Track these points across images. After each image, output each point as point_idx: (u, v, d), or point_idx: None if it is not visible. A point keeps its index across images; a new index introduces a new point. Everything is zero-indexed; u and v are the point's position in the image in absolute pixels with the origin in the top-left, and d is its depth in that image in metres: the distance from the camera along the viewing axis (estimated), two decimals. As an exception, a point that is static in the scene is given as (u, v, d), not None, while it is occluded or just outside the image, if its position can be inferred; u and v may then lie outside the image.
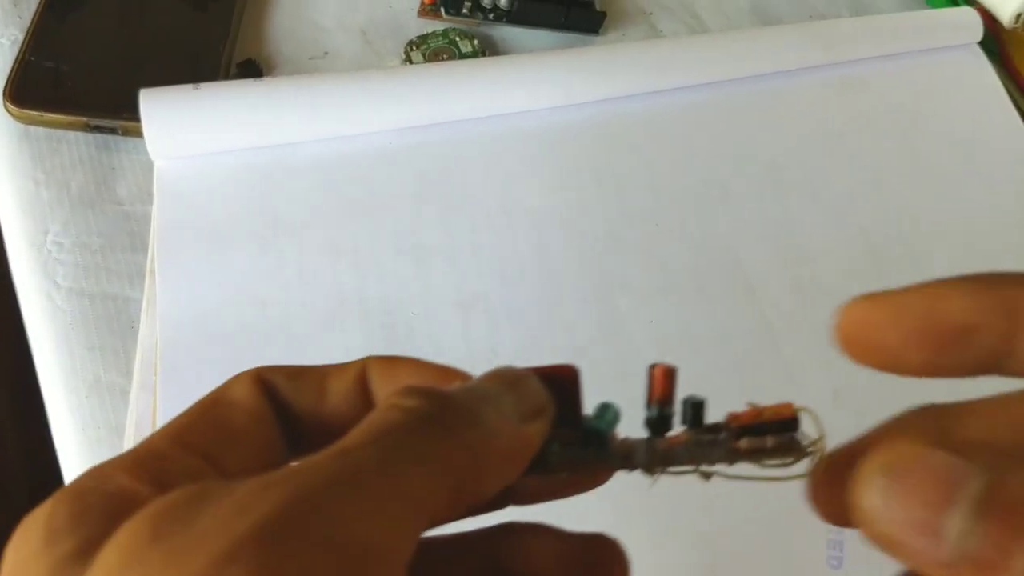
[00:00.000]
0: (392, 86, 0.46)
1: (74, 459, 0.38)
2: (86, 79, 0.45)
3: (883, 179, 0.47)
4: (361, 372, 0.21)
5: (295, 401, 0.21)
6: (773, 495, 0.38)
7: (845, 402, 0.40)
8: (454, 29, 0.51)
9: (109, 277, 0.42)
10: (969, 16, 0.52)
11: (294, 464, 0.16)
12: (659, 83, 0.48)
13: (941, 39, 0.51)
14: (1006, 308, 0.18)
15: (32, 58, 0.45)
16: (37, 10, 0.47)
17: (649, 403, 0.20)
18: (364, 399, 0.21)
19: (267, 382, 0.21)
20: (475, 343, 0.40)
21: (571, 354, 0.40)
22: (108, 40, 0.47)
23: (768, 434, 0.20)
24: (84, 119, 0.44)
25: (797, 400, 0.21)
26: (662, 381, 0.20)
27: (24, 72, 0.45)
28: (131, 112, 0.43)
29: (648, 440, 0.20)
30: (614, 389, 0.39)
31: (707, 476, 0.20)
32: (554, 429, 0.20)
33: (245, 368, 0.40)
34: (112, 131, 0.45)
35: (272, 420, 0.21)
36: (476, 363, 0.39)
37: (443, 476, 0.17)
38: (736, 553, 0.37)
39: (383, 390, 0.21)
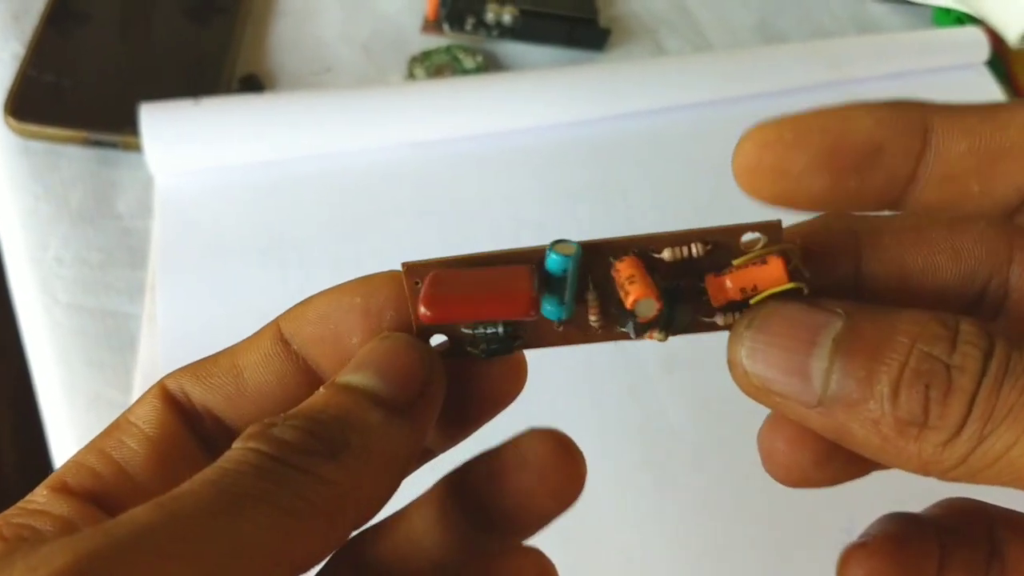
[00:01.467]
0: (395, 102, 0.46)
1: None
2: (86, 94, 0.45)
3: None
4: (275, 332, 0.20)
5: (209, 400, 0.20)
6: (781, 512, 0.37)
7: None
8: (457, 45, 0.50)
9: (109, 293, 0.41)
10: (975, 36, 0.51)
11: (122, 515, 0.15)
12: (663, 101, 0.48)
13: (947, 58, 0.51)
14: (916, 127, 0.18)
15: (33, 72, 0.45)
16: (38, 24, 0.47)
17: (623, 306, 0.19)
18: (287, 356, 0.20)
19: (172, 394, 0.20)
20: (479, 361, 0.40)
21: (579, 369, 0.40)
22: (109, 54, 0.47)
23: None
24: (84, 134, 0.44)
25: None
26: (630, 267, 0.19)
27: (25, 86, 0.45)
28: (131, 127, 0.42)
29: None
30: (622, 404, 0.39)
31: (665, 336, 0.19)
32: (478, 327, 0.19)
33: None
34: (112, 146, 0.44)
35: (179, 434, 0.19)
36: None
37: (293, 519, 0.15)
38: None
39: (305, 336, 0.20)
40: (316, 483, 0.16)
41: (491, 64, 0.50)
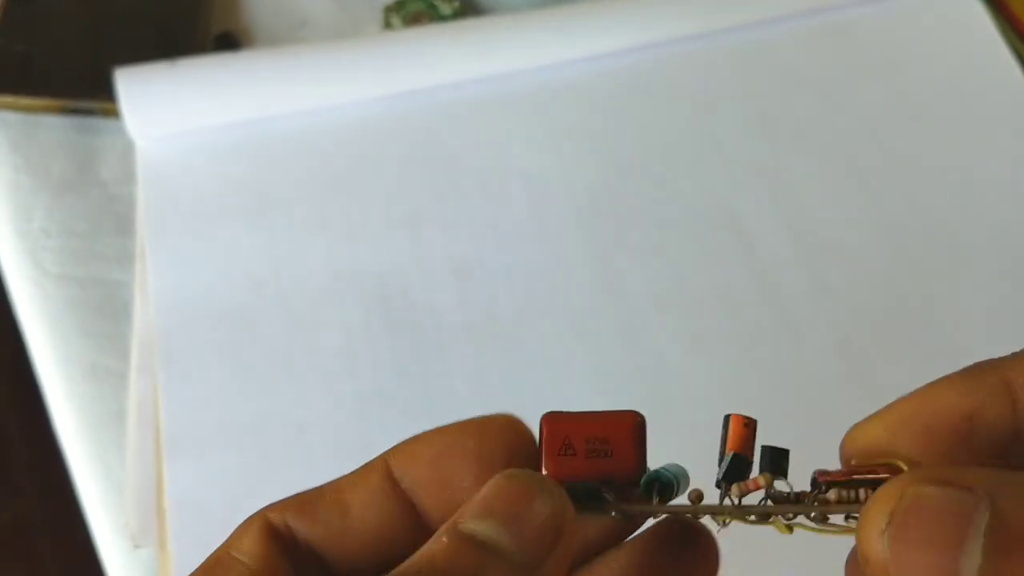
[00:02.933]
0: (374, 54, 0.45)
1: (77, 446, 0.38)
2: (59, 61, 0.44)
3: (876, 124, 0.47)
4: (384, 469, 0.19)
5: (312, 535, 0.19)
6: (781, 439, 0.38)
7: (849, 353, 0.40)
8: (433, -9, 0.49)
9: (98, 261, 0.41)
10: (955, -45, 0.51)
11: None
12: (644, 38, 0.48)
13: (928, -21, 0.51)
14: (998, 388, 0.18)
15: (1, 43, 0.44)
16: (4, -8, 0.46)
17: (722, 454, 0.19)
18: (394, 496, 0.19)
19: (275, 526, 0.19)
20: (473, 311, 0.40)
21: (571, 315, 0.40)
22: (78, 20, 0.46)
23: (860, 487, 0.18)
24: (60, 102, 0.43)
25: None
26: (737, 429, 0.19)
27: (-5, 57, 0.44)
28: (108, 93, 0.42)
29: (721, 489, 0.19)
30: (615, 349, 0.39)
31: (789, 528, 0.18)
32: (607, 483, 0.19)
33: (243, 350, 0.40)
34: (90, 112, 0.44)
35: (281, 569, 0.19)
36: (475, 330, 0.39)
37: None
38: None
39: (415, 477, 0.19)
40: None
41: (468, 9, 0.50)
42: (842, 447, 0.19)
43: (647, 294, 0.41)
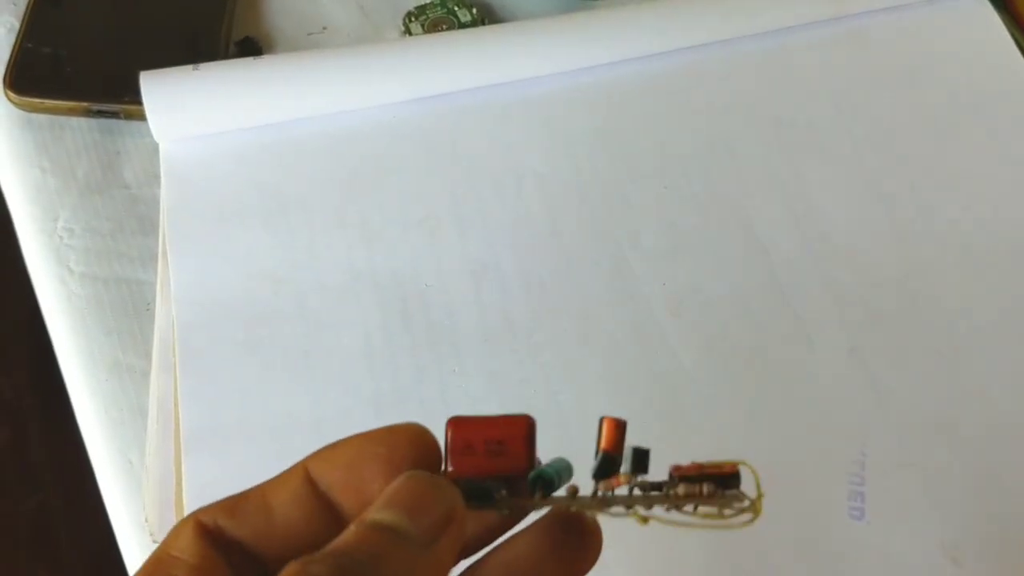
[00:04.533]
0: (393, 59, 0.46)
1: (99, 442, 0.38)
2: (85, 63, 0.45)
3: (891, 132, 0.47)
4: (303, 473, 0.21)
5: (241, 534, 0.21)
6: (793, 448, 0.38)
7: (860, 360, 0.40)
8: (452, -2, 0.50)
9: (121, 261, 0.42)
10: (972, -37, 0.51)
11: None
12: (662, 44, 0.48)
13: (945, -12, 0.51)
14: None
15: (29, 44, 0.45)
16: (32, -4, 0.47)
17: (597, 451, 0.21)
18: (314, 497, 0.21)
19: (205, 525, 0.21)
20: (488, 311, 0.40)
21: (584, 319, 0.41)
22: (105, 23, 0.47)
23: (705, 481, 0.21)
24: (86, 104, 0.44)
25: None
26: (611, 431, 0.21)
27: (22, 59, 0.45)
28: (132, 95, 0.43)
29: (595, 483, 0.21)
30: (628, 352, 0.40)
31: (644, 520, 0.21)
32: (500, 480, 0.21)
33: (262, 349, 0.40)
34: (115, 115, 0.45)
35: (219, 565, 0.21)
36: (490, 331, 0.40)
37: None
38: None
39: (331, 480, 0.21)
40: None
41: (486, 16, 0.50)
42: None
43: (660, 298, 0.41)
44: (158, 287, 0.41)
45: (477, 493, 0.21)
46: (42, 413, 0.98)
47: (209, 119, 0.43)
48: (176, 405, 0.38)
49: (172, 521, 0.36)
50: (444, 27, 0.49)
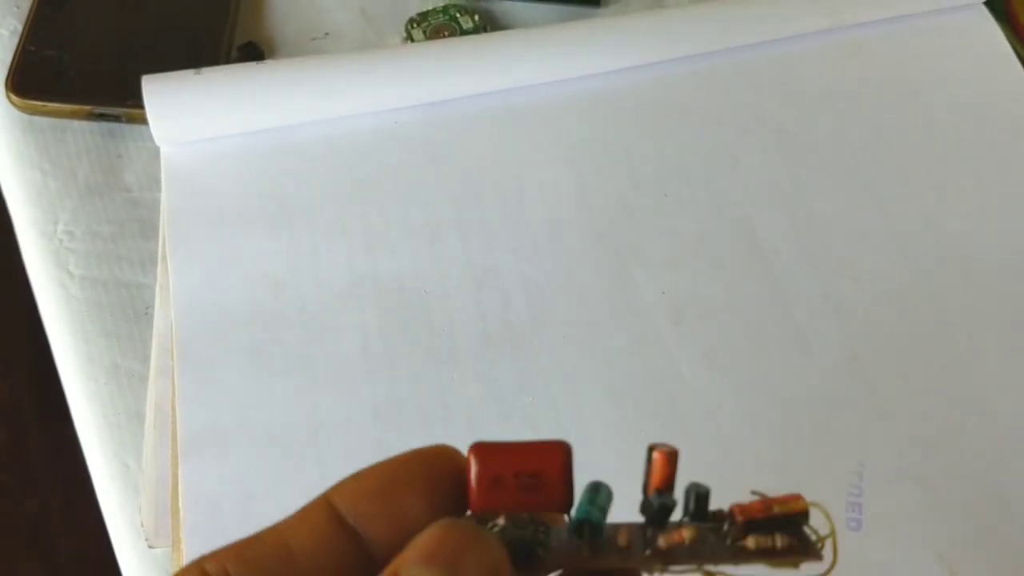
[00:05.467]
0: (396, 65, 0.46)
1: (96, 446, 0.38)
2: (87, 67, 0.45)
3: (892, 142, 0.47)
4: (326, 508, 0.19)
5: None
6: (791, 458, 0.38)
7: (861, 370, 0.40)
8: (455, 5, 0.50)
9: (121, 264, 0.42)
10: (973, -25, 0.51)
11: None
12: (663, 53, 0.48)
13: (946, 0, 0.51)
14: None
15: (32, 48, 0.45)
16: (35, -1, 0.47)
17: (647, 490, 0.19)
18: (342, 534, 0.19)
19: None
20: (489, 318, 0.40)
21: (586, 326, 0.41)
22: (107, 26, 0.47)
23: (776, 531, 0.19)
24: (87, 107, 0.44)
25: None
26: (663, 466, 0.19)
27: (25, 62, 0.45)
28: (134, 99, 0.43)
29: (645, 529, 0.19)
30: (629, 360, 0.40)
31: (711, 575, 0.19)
32: (538, 523, 0.19)
33: (261, 353, 0.40)
34: (116, 119, 0.45)
35: None
36: (491, 338, 0.40)
37: None
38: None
39: (361, 511, 0.19)
40: None
41: (489, 23, 0.50)
42: None
43: (662, 307, 0.41)
44: (157, 291, 0.40)
45: (521, 551, 0.19)
46: (40, 415, 0.98)
47: (211, 123, 0.43)
48: (174, 409, 0.37)
49: (168, 526, 0.36)
50: (446, 34, 0.49)
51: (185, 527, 0.35)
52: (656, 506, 0.19)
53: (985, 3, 0.51)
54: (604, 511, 0.19)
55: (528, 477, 0.19)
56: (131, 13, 0.48)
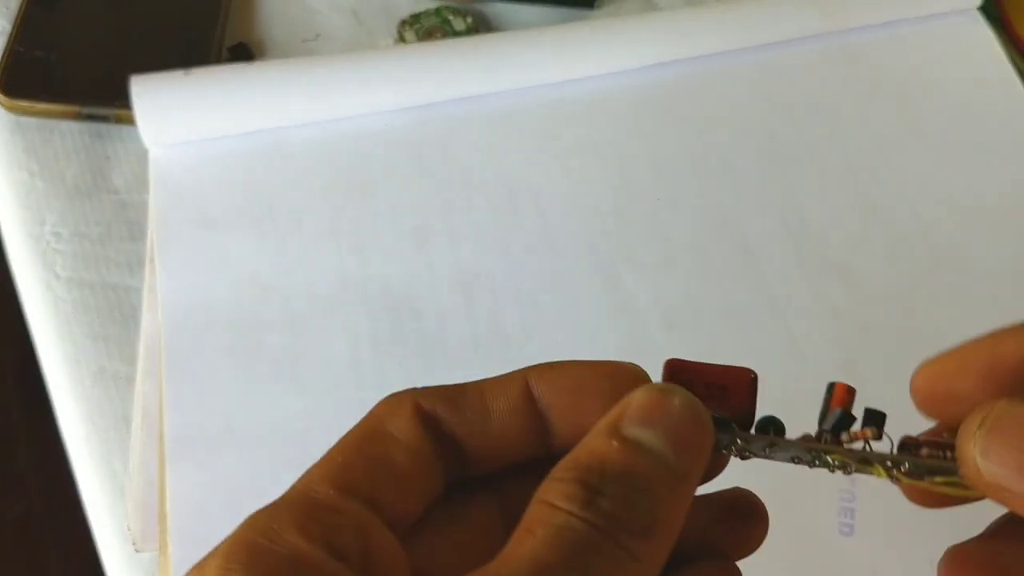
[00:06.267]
0: (387, 67, 0.46)
1: (83, 449, 0.38)
2: (76, 68, 0.45)
3: (885, 147, 0.47)
4: (524, 385, 0.21)
5: (458, 428, 0.20)
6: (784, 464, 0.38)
7: (851, 373, 0.40)
8: (447, 7, 0.50)
9: (109, 266, 0.42)
10: (966, -20, 0.51)
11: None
12: (656, 56, 0.48)
13: (940, 5, 0.51)
14: None
15: (20, 48, 0.45)
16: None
17: (825, 413, 0.21)
18: (531, 411, 0.21)
19: (425, 411, 0.20)
20: (480, 322, 0.40)
21: (578, 330, 0.40)
22: (97, 27, 0.47)
23: (948, 449, 0.20)
24: (76, 108, 0.44)
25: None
26: (843, 393, 0.21)
27: (13, 62, 0.45)
28: (123, 100, 0.42)
29: (823, 434, 0.21)
30: (627, 359, 0.39)
31: (889, 474, 0.20)
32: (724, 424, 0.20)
33: (248, 357, 0.40)
34: (105, 119, 0.44)
35: (434, 455, 0.20)
36: (481, 342, 0.39)
37: None
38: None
39: (551, 400, 0.21)
40: (632, 561, 0.17)
41: (481, 25, 0.50)
42: (913, 378, 0.22)
43: (654, 310, 0.41)
44: (145, 293, 0.40)
45: (720, 425, 0.20)
46: (26, 418, 0.97)
47: (199, 125, 0.43)
48: (160, 412, 0.37)
49: (155, 530, 0.36)
50: (438, 36, 0.49)
51: (172, 531, 0.35)
52: (838, 415, 0.21)
53: (979, 8, 0.51)
54: (784, 427, 0.21)
55: (717, 388, 0.20)
56: (121, 14, 0.47)
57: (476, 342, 0.40)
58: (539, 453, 0.21)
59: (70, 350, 0.39)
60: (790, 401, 0.39)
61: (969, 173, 0.46)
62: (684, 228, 0.43)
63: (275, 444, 0.37)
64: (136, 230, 0.42)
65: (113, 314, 0.40)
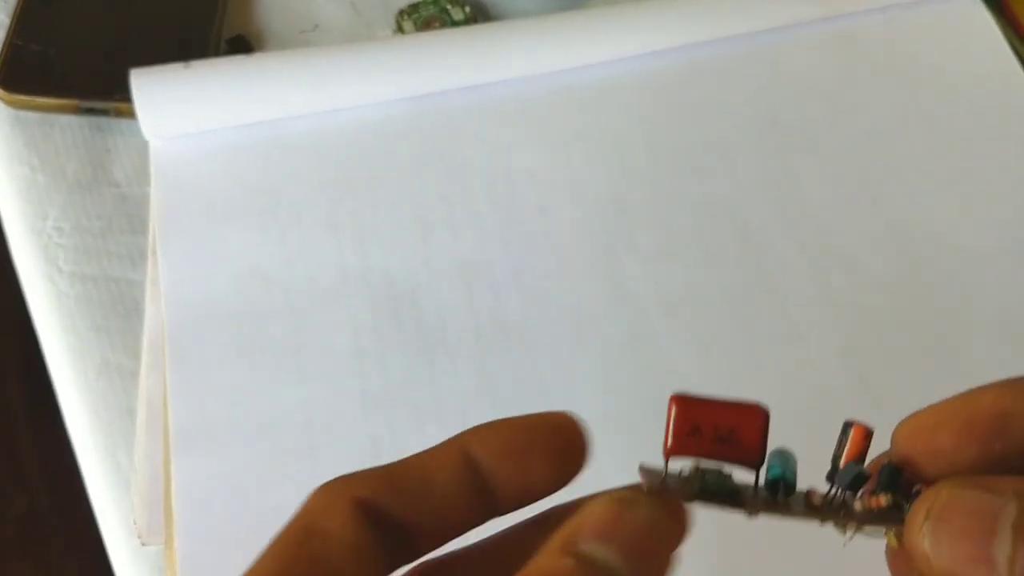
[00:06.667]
0: (385, 57, 0.46)
1: (87, 442, 0.38)
2: (75, 61, 0.45)
3: (884, 132, 0.47)
4: (461, 452, 0.20)
5: (400, 511, 0.19)
6: (784, 444, 0.38)
7: (852, 361, 0.40)
8: (445, -4, 0.50)
9: (111, 259, 0.42)
10: (965, -36, 0.51)
11: None
12: (654, 44, 0.48)
13: (938, -11, 0.51)
14: None
15: (19, 42, 0.45)
16: (21, -8, 0.46)
17: (837, 462, 0.20)
18: (473, 479, 0.20)
19: (362, 500, 0.19)
20: (481, 313, 0.40)
21: (577, 319, 0.40)
22: (95, 20, 0.47)
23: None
24: (76, 102, 0.44)
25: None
26: (859, 439, 0.20)
27: (12, 56, 0.44)
28: (123, 93, 0.42)
29: (834, 494, 0.20)
30: (622, 353, 0.39)
31: (900, 540, 0.20)
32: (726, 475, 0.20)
33: (252, 349, 0.40)
34: (105, 113, 0.44)
35: (376, 547, 0.19)
36: (483, 332, 0.39)
37: None
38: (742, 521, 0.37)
39: (493, 464, 0.20)
40: None
41: (479, 14, 0.50)
42: (893, 435, 0.21)
43: (655, 299, 0.41)
44: (147, 286, 0.40)
45: (726, 492, 0.19)
46: (30, 412, 0.97)
47: (199, 117, 0.43)
48: (165, 405, 0.37)
49: (161, 524, 0.36)
50: (437, 25, 0.49)
51: (178, 524, 0.35)
52: (854, 473, 0.20)
53: (977, -8, 0.51)
54: (795, 475, 0.20)
55: (726, 431, 0.19)
56: (119, 7, 0.47)
57: (478, 332, 0.40)
58: (487, 519, 0.20)
59: (74, 344, 0.40)
60: (789, 389, 0.39)
61: (968, 157, 0.46)
62: (685, 216, 0.43)
63: (279, 435, 0.37)
64: (137, 223, 0.42)
65: (116, 307, 0.41)
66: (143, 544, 0.36)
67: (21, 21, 0.45)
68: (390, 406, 0.38)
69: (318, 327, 0.39)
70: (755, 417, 0.20)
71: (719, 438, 0.20)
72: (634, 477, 0.20)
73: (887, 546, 0.21)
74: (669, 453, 0.20)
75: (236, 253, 0.41)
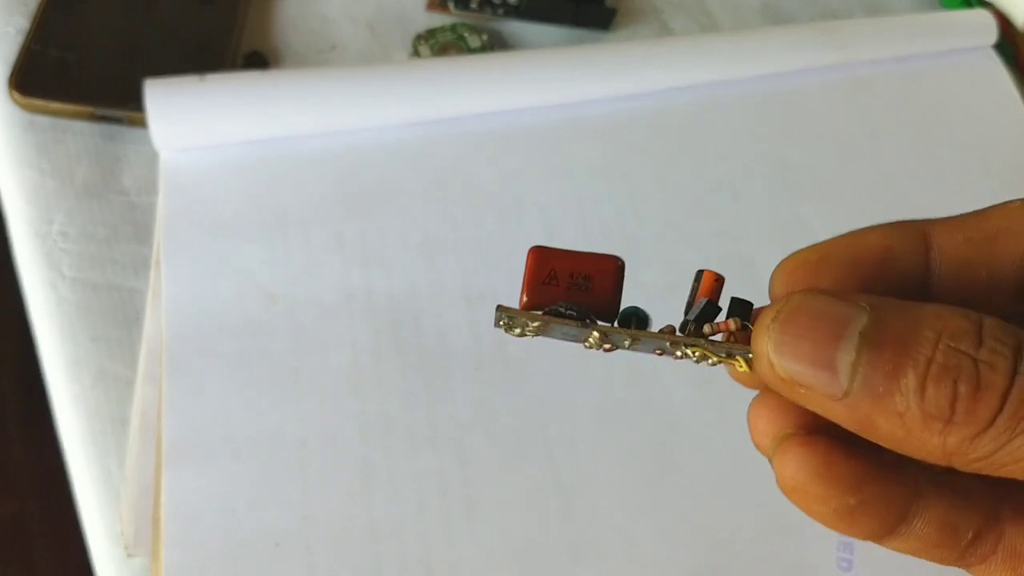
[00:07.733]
0: (400, 80, 0.46)
1: (79, 450, 0.38)
2: (92, 69, 0.45)
3: (895, 182, 0.47)
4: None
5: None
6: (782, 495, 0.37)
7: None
8: (463, 23, 0.50)
9: (114, 268, 0.41)
10: (984, 18, 0.51)
11: None
12: (669, 81, 0.48)
13: (955, 41, 0.51)
14: (916, 232, 0.21)
15: (37, 47, 0.45)
16: (43, -2, 0.47)
17: (690, 303, 0.21)
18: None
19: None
20: (482, 340, 0.40)
21: (579, 353, 0.40)
22: (114, 30, 0.47)
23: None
24: (89, 109, 0.44)
25: None
26: (711, 282, 0.21)
27: (29, 61, 0.45)
28: (136, 102, 0.42)
29: (688, 324, 0.20)
30: (621, 385, 0.39)
31: (749, 365, 0.20)
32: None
33: (249, 365, 0.40)
34: (117, 121, 0.44)
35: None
36: (482, 359, 0.39)
37: None
38: (743, 554, 0.37)
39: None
40: None
41: (496, 43, 0.50)
42: (775, 270, 0.22)
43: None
44: (149, 296, 0.40)
45: (576, 315, 0.20)
46: (23, 416, 0.97)
47: (211, 130, 0.43)
48: (159, 417, 0.37)
49: (148, 535, 0.36)
50: (453, 52, 0.49)
51: (165, 537, 0.34)
52: (703, 304, 0.20)
53: (994, 46, 0.51)
54: (648, 316, 0.21)
55: (581, 278, 0.20)
56: (138, 17, 0.48)
57: (478, 358, 0.39)
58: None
59: (71, 350, 0.39)
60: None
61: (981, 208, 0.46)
62: (690, 253, 0.43)
63: (272, 453, 0.36)
64: (143, 232, 0.42)
65: (116, 316, 0.40)
66: (129, 555, 0.36)
67: (41, 26, 0.46)
68: (386, 429, 0.37)
69: (318, 346, 0.39)
70: (610, 265, 0.20)
71: (575, 285, 0.20)
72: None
73: (730, 371, 0.21)
74: (525, 302, 0.20)
75: (239, 268, 0.40)
